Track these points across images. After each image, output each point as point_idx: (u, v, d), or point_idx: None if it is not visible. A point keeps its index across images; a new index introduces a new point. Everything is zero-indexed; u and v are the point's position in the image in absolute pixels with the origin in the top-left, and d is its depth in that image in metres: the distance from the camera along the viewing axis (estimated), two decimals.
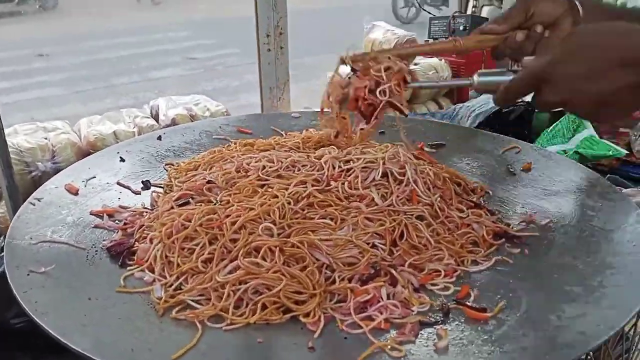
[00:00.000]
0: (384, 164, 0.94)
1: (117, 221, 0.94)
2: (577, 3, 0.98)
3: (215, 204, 0.89)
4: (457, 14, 2.09)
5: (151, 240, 0.85)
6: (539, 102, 0.81)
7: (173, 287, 0.76)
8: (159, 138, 1.26)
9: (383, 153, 0.97)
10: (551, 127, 1.79)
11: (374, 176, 0.93)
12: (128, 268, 0.82)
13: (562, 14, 0.98)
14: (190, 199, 0.95)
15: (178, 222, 0.85)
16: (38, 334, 1.20)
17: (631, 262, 0.80)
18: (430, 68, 1.98)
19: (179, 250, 0.81)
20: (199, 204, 0.92)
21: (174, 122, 1.57)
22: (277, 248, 0.78)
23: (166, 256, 0.81)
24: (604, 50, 0.72)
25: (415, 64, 1.98)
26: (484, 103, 1.84)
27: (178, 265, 0.79)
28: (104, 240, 0.88)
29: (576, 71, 0.74)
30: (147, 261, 0.81)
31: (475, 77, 0.87)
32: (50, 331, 0.66)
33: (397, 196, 0.90)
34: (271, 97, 1.93)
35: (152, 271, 0.80)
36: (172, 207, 0.92)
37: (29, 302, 0.71)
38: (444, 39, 1.06)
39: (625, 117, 0.81)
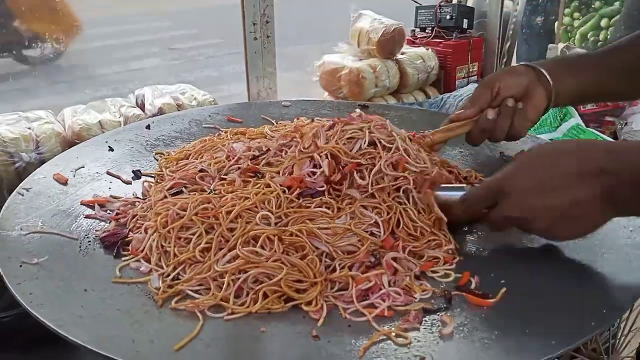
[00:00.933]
0: (370, 132, 0.92)
1: (108, 211, 0.93)
2: (543, 70, 0.97)
3: (209, 193, 0.88)
4: (443, 3, 2.08)
5: (146, 230, 0.83)
6: (494, 217, 0.77)
7: (171, 277, 0.75)
8: (148, 127, 1.24)
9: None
10: None
11: (360, 145, 0.91)
12: (123, 259, 0.81)
13: (530, 83, 0.97)
14: (183, 188, 0.93)
15: (173, 212, 0.83)
16: (24, 328, 1.19)
17: (628, 246, 0.80)
18: (418, 57, 1.97)
19: (175, 239, 0.79)
20: (193, 193, 0.91)
21: (160, 112, 1.54)
22: (276, 237, 0.77)
23: (162, 246, 0.79)
24: (560, 162, 0.71)
25: (403, 53, 1.97)
26: (472, 92, 1.84)
27: (175, 255, 0.77)
28: (96, 231, 0.86)
29: (531, 184, 0.72)
30: (142, 251, 0.80)
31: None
32: (48, 323, 0.64)
33: (386, 161, 0.88)
34: (258, 87, 1.91)
35: (148, 261, 0.79)
36: (165, 197, 0.91)
37: (23, 294, 0.69)
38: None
39: (590, 232, 0.74)
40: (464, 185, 0.86)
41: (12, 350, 1.16)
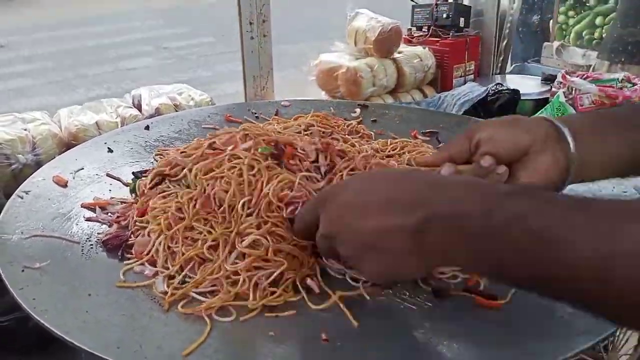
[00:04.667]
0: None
1: (109, 214, 0.91)
2: (563, 127, 0.70)
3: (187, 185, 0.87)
4: (439, 1, 2.08)
5: (149, 234, 0.82)
6: (317, 237, 0.67)
7: (178, 278, 0.74)
8: (147, 128, 1.23)
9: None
10: (535, 115, 1.80)
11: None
12: (125, 262, 0.79)
13: (534, 144, 0.71)
14: (165, 180, 0.92)
15: (175, 216, 0.82)
16: (24, 333, 1.17)
17: None
18: (415, 56, 1.97)
19: (182, 239, 0.78)
20: (174, 184, 0.90)
21: (157, 112, 1.53)
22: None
23: (169, 247, 0.78)
24: (382, 186, 0.61)
25: (399, 52, 1.96)
26: (469, 91, 1.84)
27: (183, 253, 0.76)
28: (98, 234, 0.85)
29: (348, 201, 0.62)
30: (147, 254, 0.79)
31: None
32: (53, 329, 0.63)
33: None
34: (254, 86, 1.89)
35: (153, 264, 0.78)
36: (144, 193, 0.90)
37: (26, 300, 0.68)
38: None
39: (398, 274, 0.64)
40: None
41: (12, 355, 1.14)
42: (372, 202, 0.60)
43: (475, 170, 0.73)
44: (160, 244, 0.78)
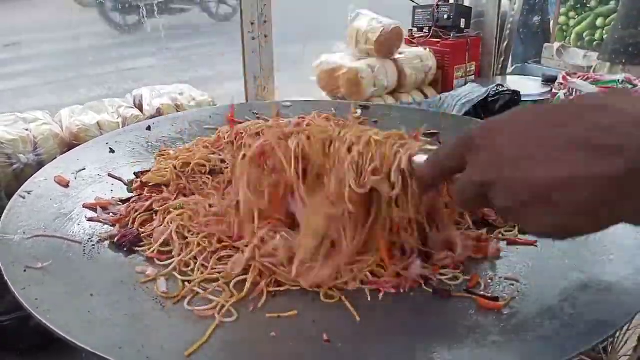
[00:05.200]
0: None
1: (111, 214, 0.92)
2: None
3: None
4: (440, 2, 2.08)
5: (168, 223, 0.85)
6: (459, 184, 0.57)
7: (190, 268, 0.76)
8: (149, 128, 1.23)
9: None
10: None
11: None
12: (140, 251, 0.82)
13: None
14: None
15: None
16: (25, 332, 1.18)
17: (637, 247, 0.80)
18: (416, 57, 1.97)
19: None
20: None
21: (159, 112, 1.54)
22: None
23: (185, 237, 0.81)
24: (567, 122, 0.49)
25: (400, 53, 1.97)
26: (470, 92, 1.84)
27: (198, 244, 0.79)
28: (101, 234, 0.85)
29: (513, 141, 0.51)
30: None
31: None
32: (56, 329, 0.63)
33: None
34: (256, 87, 1.90)
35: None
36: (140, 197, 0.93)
37: (28, 300, 0.68)
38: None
39: (585, 230, 0.52)
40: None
41: (13, 355, 1.15)
42: (549, 144, 0.48)
43: None
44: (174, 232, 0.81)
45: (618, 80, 1.81)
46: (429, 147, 0.67)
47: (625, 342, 1.57)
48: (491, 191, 0.53)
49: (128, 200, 0.94)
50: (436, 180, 0.63)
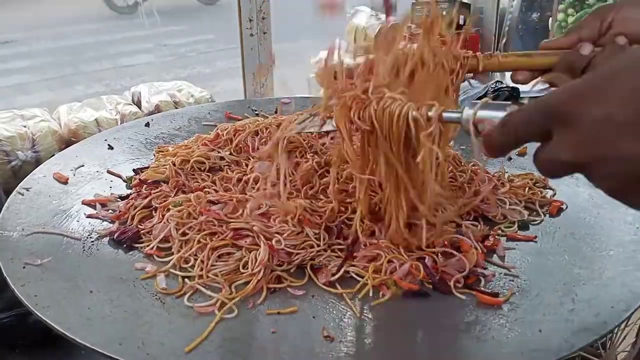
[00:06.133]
0: None
1: (110, 210, 0.91)
2: None
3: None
4: None
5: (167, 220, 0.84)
6: (542, 158, 0.48)
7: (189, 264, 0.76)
8: (147, 125, 1.23)
9: None
10: None
11: None
12: (139, 247, 0.82)
13: None
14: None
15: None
16: (25, 329, 1.17)
17: (636, 243, 0.80)
18: None
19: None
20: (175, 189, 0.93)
21: (157, 109, 1.53)
22: None
23: (185, 234, 0.81)
24: None
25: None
26: (469, 88, 1.84)
27: (198, 242, 0.78)
28: (100, 230, 0.85)
29: (620, 114, 0.41)
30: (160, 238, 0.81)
31: (467, 111, 0.58)
32: (55, 326, 0.63)
33: None
34: (254, 83, 1.89)
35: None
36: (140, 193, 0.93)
37: (28, 296, 0.68)
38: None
39: None
40: (510, 103, 0.55)
41: (13, 352, 1.14)
42: None
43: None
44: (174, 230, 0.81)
45: None
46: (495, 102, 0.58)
47: (624, 338, 1.57)
48: (587, 171, 0.45)
49: (127, 196, 0.94)
50: (508, 149, 0.54)
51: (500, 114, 0.53)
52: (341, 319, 0.68)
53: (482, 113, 0.56)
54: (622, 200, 0.47)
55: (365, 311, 0.69)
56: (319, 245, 0.78)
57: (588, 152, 0.43)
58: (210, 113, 1.31)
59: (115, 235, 0.83)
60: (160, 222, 0.83)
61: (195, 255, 0.76)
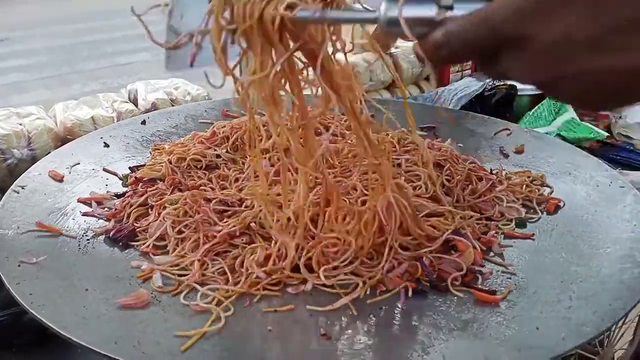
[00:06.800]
0: None
1: (106, 208, 0.91)
2: None
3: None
4: None
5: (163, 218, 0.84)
6: (489, 71, 0.45)
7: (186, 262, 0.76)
8: (143, 122, 1.22)
9: None
10: (533, 110, 1.80)
11: None
12: (135, 246, 0.81)
13: None
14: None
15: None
16: (21, 328, 1.17)
17: (633, 241, 0.80)
18: (412, 51, 1.97)
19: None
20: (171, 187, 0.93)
21: (154, 107, 1.53)
22: None
23: (181, 231, 0.81)
24: None
25: (397, 47, 1.97)
26: (466, 86, 1.84)
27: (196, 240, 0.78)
28: (96, 228, 0.85)
29: (578, 32, 0.38)
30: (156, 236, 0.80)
31: (384, 6, 0.47)
32: (50, 325, 0.62)
33: None
34: None
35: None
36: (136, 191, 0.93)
37: (23, 295, 0.68)
38: None
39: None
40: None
41: (8, 352, 1.14)
42: (618, 21, 0.37)
43: None
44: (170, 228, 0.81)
45: None
46: None
47: (622, 335, 1.57)
48: (545, 88, 0.43)
49: (123, 194, 0.94)
50: (444, 65, 0.48)
51: (430, 13, 0.45)
52: (338, 317, 0.67)
53: (408, 11, 0.47)
54: (587, 108, 0.43)
55: (362, 309, 0.69)
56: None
57: (547, 73, 0.41)
58: (207, 111, 1.31)
59: (111, 233, 0.82)
60: (156, 220, 0.83)
61: (192, 253, 0.76)
